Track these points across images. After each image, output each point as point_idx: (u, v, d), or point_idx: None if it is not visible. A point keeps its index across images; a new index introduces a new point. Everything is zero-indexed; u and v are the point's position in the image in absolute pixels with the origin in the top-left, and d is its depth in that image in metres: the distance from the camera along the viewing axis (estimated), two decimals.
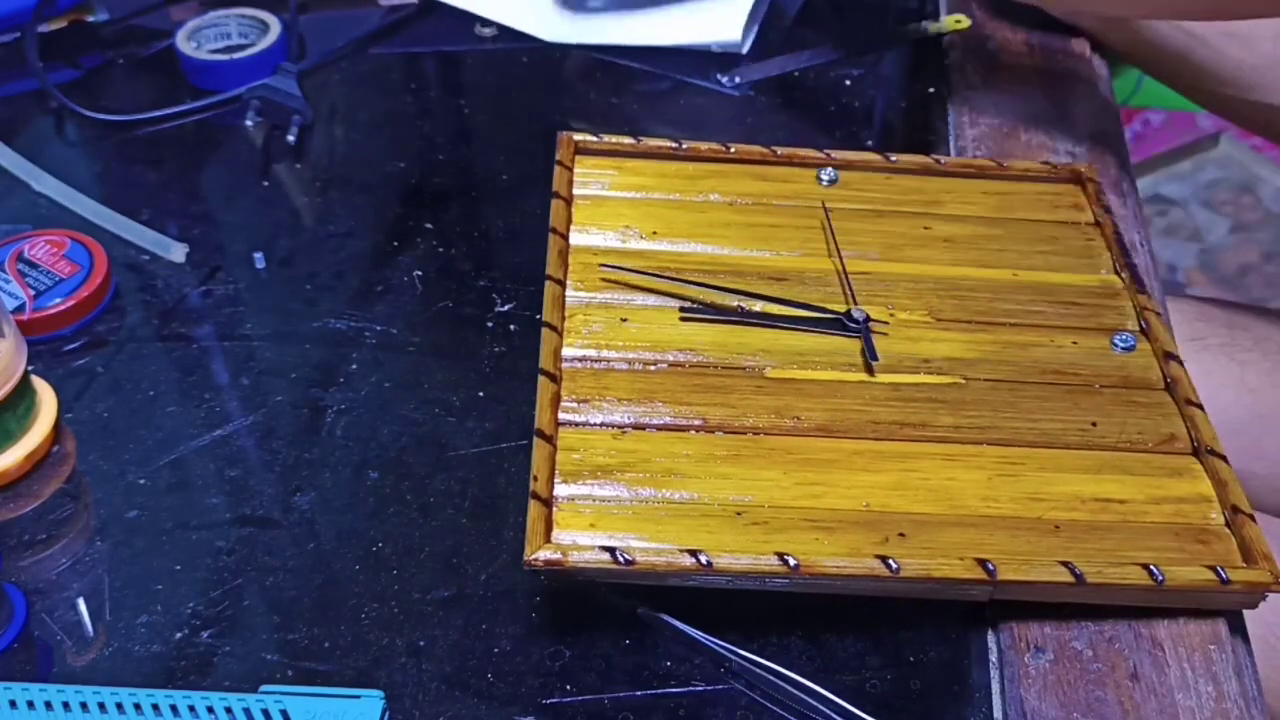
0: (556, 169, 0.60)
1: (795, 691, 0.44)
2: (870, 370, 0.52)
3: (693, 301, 0.55)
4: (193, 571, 0.49)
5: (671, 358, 0.53)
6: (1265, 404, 0.65)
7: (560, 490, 0.47)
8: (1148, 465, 0.50)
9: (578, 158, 0.62)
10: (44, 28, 0.76)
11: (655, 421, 0.50)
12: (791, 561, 0.44)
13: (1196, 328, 0.70)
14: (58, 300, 0.58)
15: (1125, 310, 0.57)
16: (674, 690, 0.45)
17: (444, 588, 0.49)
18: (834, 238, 0.58)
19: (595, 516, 0.46)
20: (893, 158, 0.62)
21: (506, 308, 0.61)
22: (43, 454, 0.53)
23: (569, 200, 0.59)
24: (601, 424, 0.50)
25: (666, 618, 0.46)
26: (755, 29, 0.79)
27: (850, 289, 0.55)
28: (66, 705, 0.42)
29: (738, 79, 0.75)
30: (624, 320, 0.54)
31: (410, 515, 0.51)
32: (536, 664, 0.46)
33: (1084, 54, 0.77)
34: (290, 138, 0.71)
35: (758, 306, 0.55)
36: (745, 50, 0.78)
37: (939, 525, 0.47)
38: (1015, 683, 0.45)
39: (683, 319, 0.54)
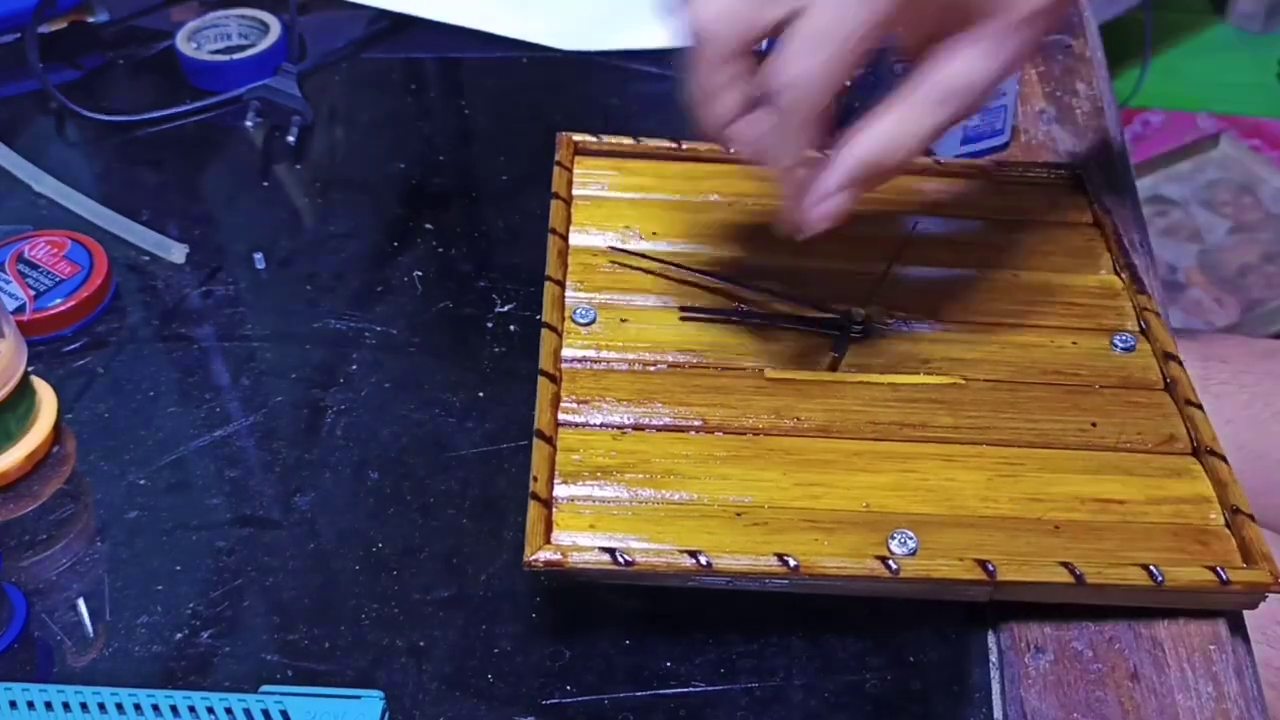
0: (556, 170, 0.60)
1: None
2: (835, 367, 0.52)
3: (700, 288, 0.55)
4: (193, 572, 0.49)
5: (671, 358, 0.53)
6: (1242, 437, 0.64)
7: (560, 491, 0.47)
8: (1147, 465, 0.50)
9: (577, 158, 0.62)
10: (44, 29, 0.76)
11: (655, 422, 0.50)
12: (791, 562, 0.44)
13: None
14: (58, 301, 0.58)
15: (1125, 311, 0.56)
16: (674, 690, 0.45)
17: (444, 588, 0.49)
18: None
19: (595, 517, 0.46)
20: None
21: (506, 308, 0.61)
22: (43, 454, 0.53)
23: (568, 201, 0.59)
24: (601, 425, 0.50)
25: None
26: None
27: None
28: (66, 705, 0.42)
29: None
30: (624, 320, 0.54)
31: (410, 515, 0.51)
32: (536, 664, 0.46)
33: (1084, 54, 0.77)
34: (290, 139, 0.71)
35: (757, 299, 0.55)
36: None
37: (939, 526, 0.47)
38: (1015, 683, 0.45)
39: (682, 319, 0.54)
